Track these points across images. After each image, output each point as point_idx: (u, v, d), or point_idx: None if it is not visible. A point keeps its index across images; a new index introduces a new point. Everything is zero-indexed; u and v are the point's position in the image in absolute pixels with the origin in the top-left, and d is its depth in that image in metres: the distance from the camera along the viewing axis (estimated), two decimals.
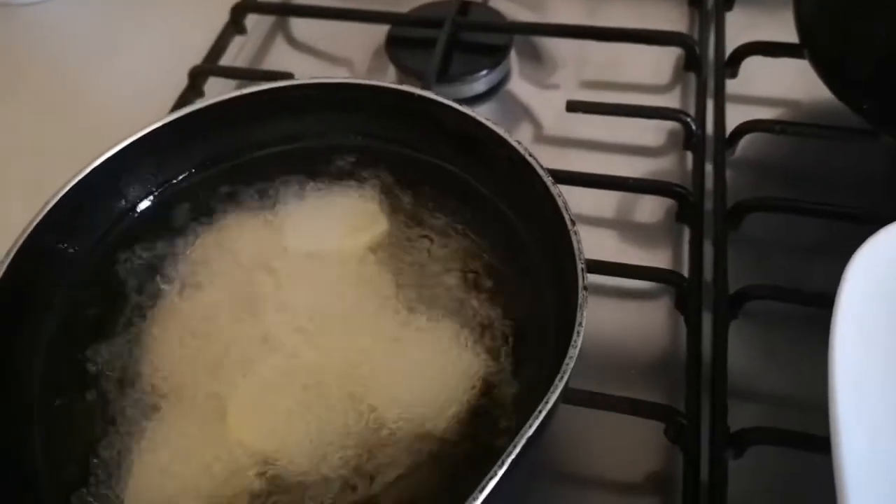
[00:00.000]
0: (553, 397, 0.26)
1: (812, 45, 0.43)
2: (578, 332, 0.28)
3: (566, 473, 0.36)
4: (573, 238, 0.31)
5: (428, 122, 0.38)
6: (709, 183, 0.44)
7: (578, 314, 0.29)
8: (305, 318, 0.34)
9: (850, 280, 0.32)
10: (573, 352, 0.28)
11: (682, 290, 0.39)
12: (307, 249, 0.36)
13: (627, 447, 0.36)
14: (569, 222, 0.31)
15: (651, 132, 0.50)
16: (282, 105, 0.38)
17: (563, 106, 0.48)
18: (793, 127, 0.45)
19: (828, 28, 0.42)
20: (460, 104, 0.37)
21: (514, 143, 0.35)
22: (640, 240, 0.45)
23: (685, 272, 0.40)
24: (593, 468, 0.36)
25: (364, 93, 0.38)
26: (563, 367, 0.27)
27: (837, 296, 0.31)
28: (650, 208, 0.46)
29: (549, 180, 0.33)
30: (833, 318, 0.31)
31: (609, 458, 0.36)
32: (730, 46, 0.51)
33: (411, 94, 0.37)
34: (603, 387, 0.36)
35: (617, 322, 0.40)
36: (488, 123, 0.35)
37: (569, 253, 0.30)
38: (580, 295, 0.29)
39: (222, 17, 0.58)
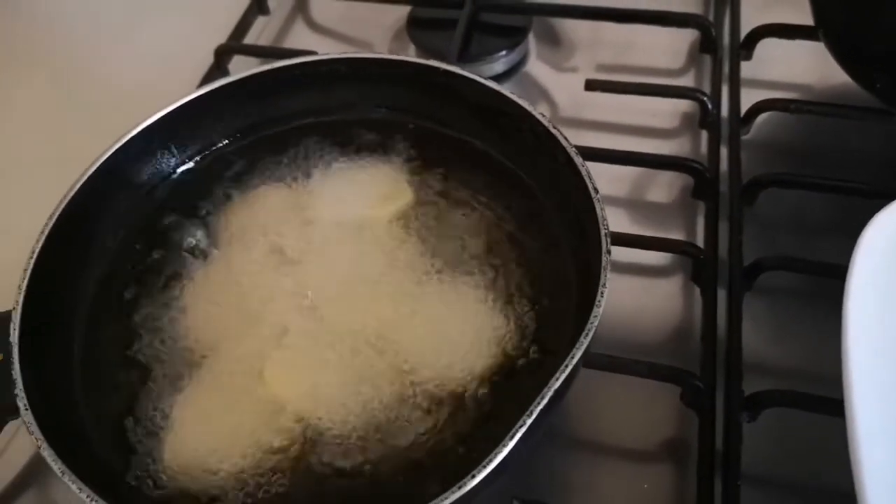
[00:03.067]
0: (579, 352, 0.28)
1: (827, 26, 0.44)
2: (602, 293, 0.29)
3: (586, 440, 0.38)
4: (597, 205, 0.32)
5: (453, 96, 0.39)
6: (724, 161, 0.45)
7: (603, 275, 0.30)
8: (336, 281, 0.35)
9: (865, 245, 0.33)
10: (597, 310, 0.29)
11: (698, 263, 0.40)
12: (337, 217, 0.38)
13: (645, 414, 0.37)
14: (592, 190, 0.32)
15: (665, 115, 0.51)
16: (312, 79, 0.40)
17: (580, 88, 0.49)
18: (808, 105, 0.46)
19: (842, 9, 0.43)
20: None
21: (539, 116, 0.36)
22: (657, 217, 0.46)
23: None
24: (612, 435, 0.37)
25: (391, 68, 0.39)
26: (588, 324, 0.28)
27: (852, 261, 0.32)
28: (666, 187, 0.47)
29: (572, 150, 0.34)
30: (847, 283, 0.32)
31: (627, 424, 0.37)
32: (745, 29, 0.52)
33: (437, 69, 0.38)
34: (622, 354, 0.37)
35: (635, 296, 0.42)
36: (512, 97, 0.36)
37: (592, 219, 0.32)
38: (604, 258, 0.30)
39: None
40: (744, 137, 0.47)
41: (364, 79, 0.40)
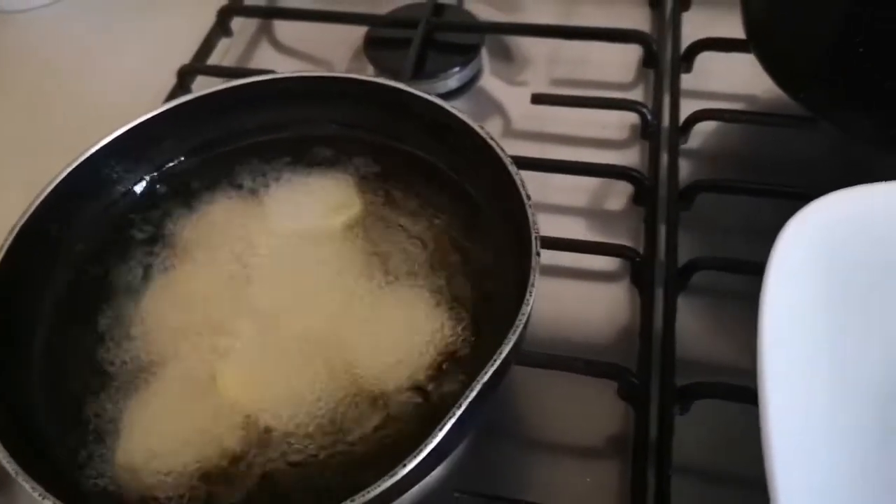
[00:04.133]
0: (507, 348, 0.30)
1: (757, 41, 0.47)
2: (531, 292, 0.31)
3: (529, 437, 0.39)
4: (528, 210, 0.34)
5: (402, 112, 0.41)
6: (663, 169, 0.48)
7: (532, 275, 0.32)
8: (289, 289, 0.37)
9: (781, 246, 0.35)
10: (525, 308, 0.31)
11: (636, 265, 0.42)
12: (289, 228, 0.39)
13: (587, 410, 0.39)
14: (524, 197, 0.34)
15: (615, 126, 0.54)
16: (266, 97, 0.42)
17: (531, 104, 0.52)
18: (741, 115, 0.49)
19: (771, 26, 0.45)
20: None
21: (478, 129, 0.38)
22: (604, 224, 0.49)
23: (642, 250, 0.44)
24: (555, 431, 0.39)
25: (343, 85, 0.41)
26: (516, 322, 0.30)
27: (769, 260, 0.35)
28: (614, 196, 0.49)
29: (507, 160, 0.36)
30: (764, 282, 0.34)
31: (570, 420, 0.39)
32: (686, 44, 0.55)
33: (386, 86, 0.40)
34: (565, 353, 0.39)
35: (581, 298, 0.44)
36: (455, 111, 0.38)
37: (525, 224, 0.34)
38: (533, 259, 0.32)
39: (209, 20, 0.61)
40: (683, 146, 0.50)
41: (319, 96, 0.42)
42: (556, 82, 0.58)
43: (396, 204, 0.40)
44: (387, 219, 0.40)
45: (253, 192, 0.41)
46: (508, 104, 0.57)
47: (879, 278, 0.36)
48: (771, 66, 0.46)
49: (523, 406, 0.40)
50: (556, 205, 0.50)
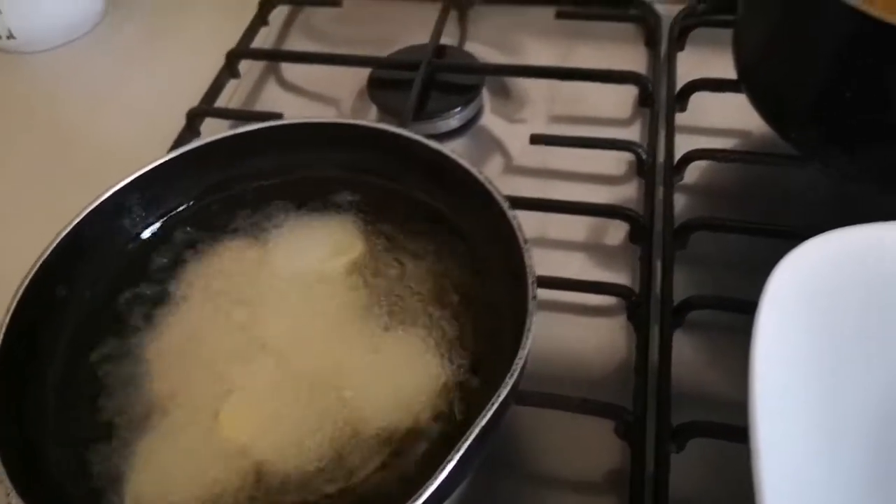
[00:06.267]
0: (504, 392, 0.30)
1: (748, 82, 0.48)
2: (527, 337, 0.32)
3: (530, 473, 0.40)
4: (525, 254, 0.35)
5: (402, 155, 0.42)
6: (659, 207, 0.49)
7: (528, 321, 0.33)
8: (292, 331, 0.38)
9: (773, 286, 0.36)
10: (522, 353, 0.32)
11: (632, 303, 0.43)
12: (294, 271, 0.40)
13: (582, 447, 0.40)
14: (521, 241, 0.35)
15: (613, 162, 0.55)
16: (271, 142, 0.43)
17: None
18: (733, 154, 0.50)
19: (761, 68, 0.47)
20: (433, 139, 0.41)
21: (476, 173, 0.39)
22: (602, 260, 0.50)
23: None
24: (551, 466, 0.40)
25: (346, 130, 0.43)
26: (513, 366, 0.31)
27: (760, 300, 0.35)
28: (612, 232, 0.51)
29: (505, 204, 0.37)
30: (755, 321, 0.35)
31: (565, 456, 0.40)
32: (681, 83, 0.57)
33: (386, 132, 0.41)
34: (562, 391, 0.40)
35: (576, 333, 0.45)
36: (452, 155, 0.40)
37: (522, 268, 0.35)
38: (530, 304, 0.33)
39: (218, 63, 0.63)
40: (679, 184, 0.51)
41: (321, 141, 0.43)
42: (556, 119, 0.60)
43: (398, 246, 0.41)
44: (388, 261, 0.41)
45: (257, 235, 0.42)
46: (509, 142, 0.59)
47: (869, 318, 0.36)
48: (761, 106, 0.47)
49: (522, 441, 0.40)
50: (555, 240, 0.51)
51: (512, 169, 0.57)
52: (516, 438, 0.41)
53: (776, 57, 0.44)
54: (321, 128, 0.43)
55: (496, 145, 0.59)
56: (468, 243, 0.40)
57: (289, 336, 0.38)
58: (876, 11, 0.36)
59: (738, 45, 0.48)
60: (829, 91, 0.41)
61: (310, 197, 0.43)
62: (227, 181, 0.44)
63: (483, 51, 0.65)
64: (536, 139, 0.52)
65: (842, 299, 0.37)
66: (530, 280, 0.34)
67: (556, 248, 0.51)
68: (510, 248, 0.36)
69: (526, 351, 0.32)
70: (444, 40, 0.64)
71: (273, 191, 0.43)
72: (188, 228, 0.42)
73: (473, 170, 0.39)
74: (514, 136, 0.59)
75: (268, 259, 0.41)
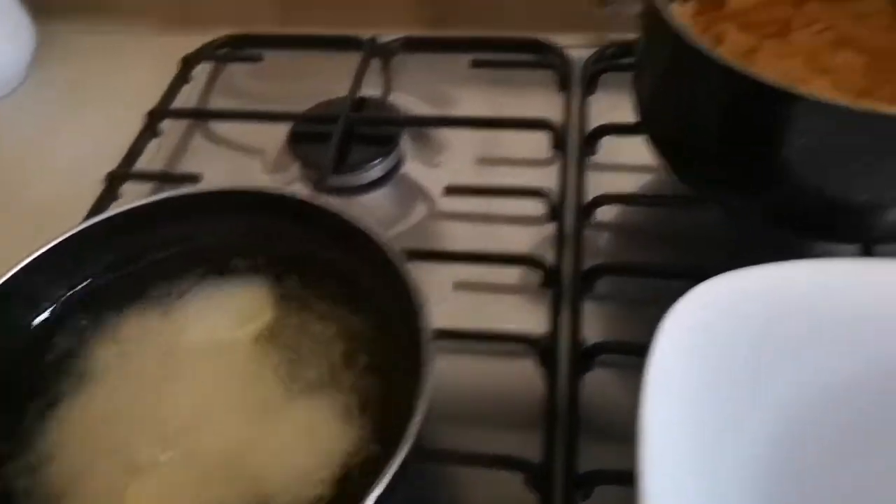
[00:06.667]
0: (398, 459, 0.31)
1: (646, 126, 0.50)
2: (421, 403, 0.33)
3: None
4: (421, 318, 0.36)
5: (308, 219, 0.43)
6: (568, 251, 0.50)
7: (422, 386, 0.33)
8: (201, 406, 0.38)
9: (664, 333, 0.37)
10: (416, 419, 0.32)
11: (541, 349, 0.44)
12: (202, 341, 0.41)
13: (493, 496, 0.41)
14: (417, 304, 0.36)
15: (531, 204, 0.56)
16: (177, 211, 0.43)
17: (453, 184, 0.55)
18: (640, 198, 0.52)
19: (654, 114, 0.49)
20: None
21: (373, 232, 0.39)
22: (518, 304, 0.50)
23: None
24: None
25: (250, 197, 0.43)
26: (407, 433, 0.32)
27: (651, 346, 0.37)
28: (528, 276, 0.52)
29: (402, 265, 0.38)
30: (645, 367, 0.36)
31: None
32: (594, 125, 0.58)
33: (286, 197, 0.42)
34: (471, 441, 0.41)
35: (488, 382, 0.45)
36: (350, 216, 0.40)
37: (417, 332, 0.35)
38: (424, 369, 0.34)
39: (140, 122, 0.63)
40: (589, 226, 0.52)
41: (226, 207, 0.44)
42: (479, 161, 0.61)
43: (308, 309, 0.42)
44: (298, 325, 0.41)
45: (167, 305, 0.42)
46: (431, 188, 0.59)
47: (762, 356, 0.38)
48: (659, 149, 0.49)
49: (437, 494, 0.41)
50: (475, 283, 0.52)
51: (435, 214, 0.58)
52: (432, 490, 0.41)
53: (666, 104, 0.46)
54: (224, 195, 0.43)
55: (419, 192, 0.60)
56: (375, 304, 0.41)
57: (196, 411, 0.38)
58: (748, 68, 0.39)
59: (636, 92, 0.50)
60: (712, 138, 0.43)
61: (217, 265, 0.43)
62: (131, 254, 0.44)
63: (406, 99, 0.66)
64: (451, 190, 0.53)
65: (731, 340, 0.38)
66: (425, 344, 0.35)
67: (470, 291, 0.51)
68: (409, 310, 0.37)
69: (419, 417, 0.33)
70: (369, 90, 0.65)
71: (179, 260, 0.44)
72: (92, 305, 0.42)
73: (371, 230, 0.40)
74: (436, 182, 0.59)
75: (177, 330, 0.41)
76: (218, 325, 0.41)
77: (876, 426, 0.37)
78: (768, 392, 0.37)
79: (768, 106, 0.38)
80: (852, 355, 0.37)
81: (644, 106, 0.49)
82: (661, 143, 0.48)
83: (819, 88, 0.48)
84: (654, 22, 0.43)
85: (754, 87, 0.38)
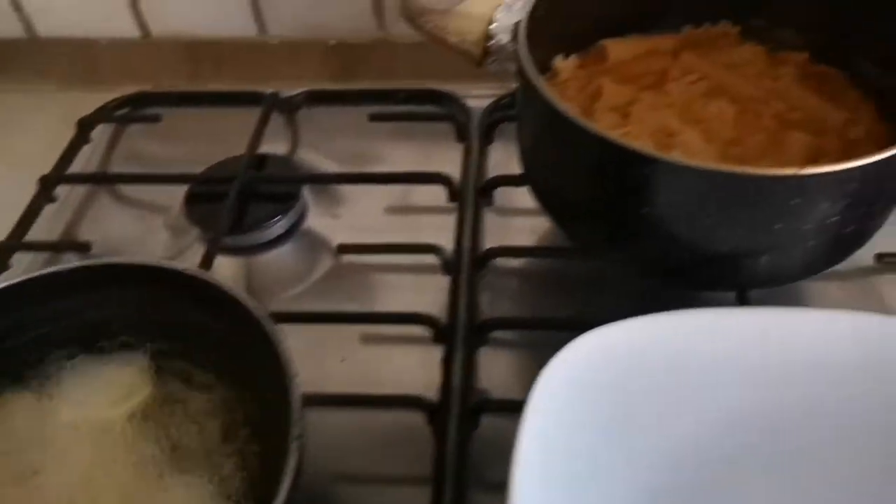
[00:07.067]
0: None
1: (528, 179, 0.51)
2: (288, 477, 0.33)
3: None
4: (292, 389, 0.36)
5: (184, 289, 0.42)
6: (462, 306, 0.51)
7: (289, 461, 0.33)
8: (73, 491, 0.37)
9: (537, 388, 0.38)
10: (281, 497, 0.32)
11: (432, 408, 0.44)
12: (77, 422, 0.40)
13: None
14: (288, 373, 0.36)
15: (433, 255, 0.57)
16: (50, 288, 0.42)
17: (358, 237, 0.55)
18: (532, 250, 0.53)
19: (532, 168, 0.50)
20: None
21: (245, 301, 0.39)
22: (417, 358, 0.50)
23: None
24: None
25: (126, 270, 0.43)
26: None
27: (526, 402, 0.37)
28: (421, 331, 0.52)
29: (275, 335, 0.38)
30: (520, 421, 0.36)
31: None
32: (492, 175, 0.60)
33: (159, 268, 0.42)
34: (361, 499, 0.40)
35: (374, 439, 0.45)
36: (222, 285, 0.40)
37: (287, 404, 0.35)
38: (291, 444, 0.34)
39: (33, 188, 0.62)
40: (484, 278, 0.53)
41: (102, 281, 0.43)
42: (382, 211, 0.61)
43: (188, 382, 0.41)
44: (177, 399, 0.41)
45: (41, 386, 0.41)
46: (335, 240, 0.59)
47: (627, 410, 0.39)
48: (541, 201, 0.50)
49: None
50: (370, 334, 0.52)
51: (341, 267, 0.57)
52: None
53: (543, 161, 0.48)
54: (104, 269, 0.43)
55: (322, 246, 0.59)
56: (255, 373, 0.41)
57: (72, 497, 0.37)
58: (611, 133, 0.40)
59: (519, 143, 0.51)
60: (584, 196, 0.44)
61: (95, 340, 0.42)
62: (10, 329, 0.43)
63: (309, 155, 0.66)
64: (343, 249, 0.53)
65: (602, 392, 0.39)
66: (295, 416, 0.35)
67: (377, 344, 0.51)
68: (282, 380, 0.37)
69: (285, 491, 0.32)
70: (273, 146, 0.65)
71: (56, 337, 0.42)
72: None
73: (244, 300, 0.39)
74: (339, 235, 0.59)
75: (52, 410, 0.40)
76: (94, 404, 0.40)
77: (741, 472, 0.38)
78: (637, 442, 0.38)
79: (631, 168, 0.40)
80: (715, 402, 0.39)
81: (526, 157, 0.50)
82: (542, 196, 0.50)
83: (690, 139, 0.50)
84: (526, 85, 0.44)
85: (617, 152, 0.39)
